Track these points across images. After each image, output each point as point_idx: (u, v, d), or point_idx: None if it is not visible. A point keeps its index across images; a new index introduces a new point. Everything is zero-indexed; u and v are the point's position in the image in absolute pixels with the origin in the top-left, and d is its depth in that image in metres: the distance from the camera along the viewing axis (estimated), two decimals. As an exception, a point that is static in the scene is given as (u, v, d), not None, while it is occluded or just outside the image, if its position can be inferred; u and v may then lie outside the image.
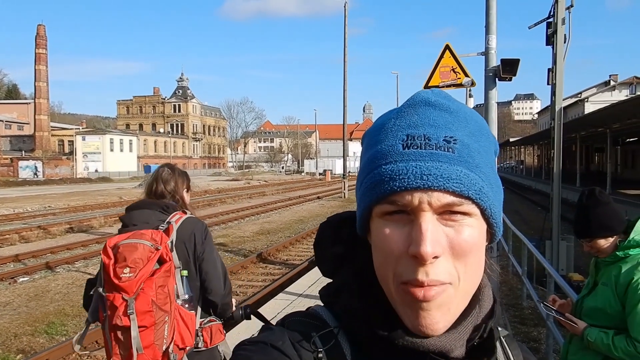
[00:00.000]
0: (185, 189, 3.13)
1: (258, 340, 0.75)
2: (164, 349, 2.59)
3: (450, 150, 0.68)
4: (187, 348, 2.73)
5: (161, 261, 2.66)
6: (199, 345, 2.84)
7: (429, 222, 0.66)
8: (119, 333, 2.57)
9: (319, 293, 0.84)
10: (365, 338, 0.74)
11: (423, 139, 0.69)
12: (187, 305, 2.77)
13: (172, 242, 2.79)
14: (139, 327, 2.53)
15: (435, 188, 0.66)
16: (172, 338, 2.63)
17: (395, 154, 0.69)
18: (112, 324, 2.55)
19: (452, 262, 0.67)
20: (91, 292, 2.77)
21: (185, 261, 2.83)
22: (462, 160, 0.68)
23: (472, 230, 0.68)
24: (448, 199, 0.66)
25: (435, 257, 0.65)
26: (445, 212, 0.67)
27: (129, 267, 2.56)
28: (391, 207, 0.68)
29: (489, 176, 0.71)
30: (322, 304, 0.83)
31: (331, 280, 0.84)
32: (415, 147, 0.68)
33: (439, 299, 0.66)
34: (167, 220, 2.86)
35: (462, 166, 0.67)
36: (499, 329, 0.81)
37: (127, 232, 2.77)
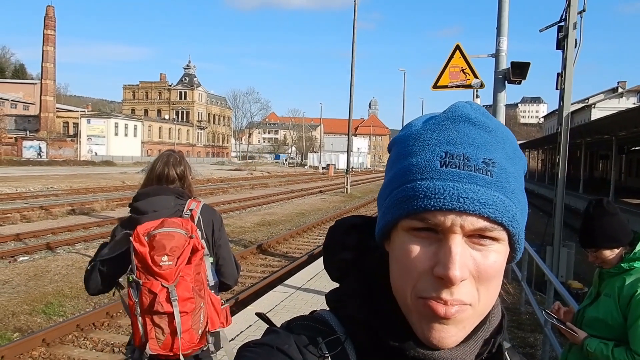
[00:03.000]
0: (191, 176, 3.16)
1: (263, 342, 0.74)
2: (200, 332, 2.74)
3: (489, 173, 0.66)
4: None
5: (193, 249, 2.75)
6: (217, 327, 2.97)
7: (458, 245, 0.65)
8: (156, 318, 2.67)
9: (325, 297, 0.83)
10: (371, 347, 0.73)
11: (462, 158, 0.67)
12: (214, 290, 2.92)
13: (200, 230, 2.87)
14: (180, 312, 2.65)
15: (471, 212, 0.65)
16: (207, 322, 2.78)
17: (432, 171, 0.67)
18: (153, 309, 2.64)
19: (475, 285, 0.67)
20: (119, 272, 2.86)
21: (208, 248, 2.93)
22: (499, 185, 0.67)
23: (498, 256, 0.68)
24: (481, 224, 0.65)
25: (462, 280, 0.65)
26: (475, 236, 0.66)
27: (168, 255, 2.66)
28: (421, 224, 0.67)
29: (521, 202, 0.70)
30: (328, 308, 0.82)
31: (338, 285, 0.84)
32: (454, 166, 0.66)
33: (458, 317, 0.66)
34: (187, 206, 2.91)
35: (499, 191, 0.66)
36: (503, 342, 0.81)
37: (149, 218, 2.80)
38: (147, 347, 2.71)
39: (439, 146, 0.69)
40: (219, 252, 3.04)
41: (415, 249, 0.67)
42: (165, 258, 2.65)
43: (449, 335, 0.67)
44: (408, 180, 0.69)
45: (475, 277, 0.66)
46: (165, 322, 2.65)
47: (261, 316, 0.87)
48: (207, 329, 2.79)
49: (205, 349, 2.83)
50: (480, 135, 0.69)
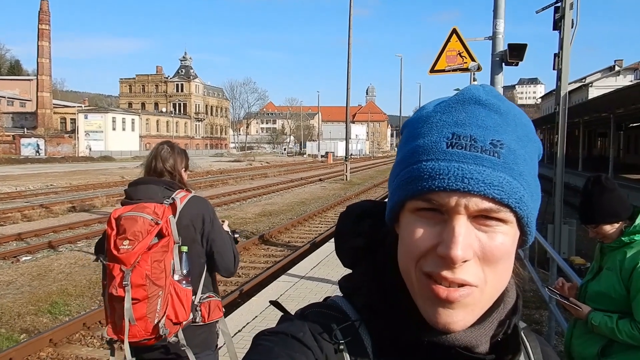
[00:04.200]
0: (184, 168, 3.12)
1: (278, 330, 0.74)
2: (155, 322, 2.66)
3: (496, 154, 0.65)
4: (184, 323, 2.77)
5: (160, 235, 2.73)
6: (197, 320, 2.88)
7: (462, 225, 0.65)
8: (114, 302, 2.68)
9: (338, 283, 0.83)
10: (386, 333, 0.74)
11: (469, 139, 0.66)
12: (184, 282, 2.79)
13: (175, 217, 2.81)
14: (132, 299, 2.61)
15: (475, 192, 0.64)
16: (165, 312, 2.68)
17: (438, 152, 0.67)
18: (109, 292, 2.67)
19: (481, 267, 0.66)
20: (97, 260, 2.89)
21: (188, 238, 2.85)
22: (506, 166, 0.66)
23: (505, 237, 0.67)
24: (486, 204, 0.65)
25: (465, 261, 0.65)
26: (481, 217, 0.66)
27: (129, 240, 2.66)
28: (426, 204, 0.67)
29: (531, 184, 0.69)
30: (341, 294, 0.82)
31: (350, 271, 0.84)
32: (460, 147, 0.66)
33: (464, 299, 0.66)
34: (172, 196, 2.87)
35: (506, 173, 0.65)
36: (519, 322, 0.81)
37: (131, 204, 2.82)
38: (106, 330, 2.77)
39: (446, 127, 0.68)
40: (214, 246, 2.98)
41: (421, 228, 0.67)
42: (126, 242, 2.66)
43: (456, 320, 0.67)
44: (414, 161, 0.69)
45: (480, 258, 0.66)
46: (122, 306, 2.63)
47: (275, 304, 0.87)
48: (163, 320, 2.69)
49: (172, 341, 2.76)
50: (490, 117, 0.68)
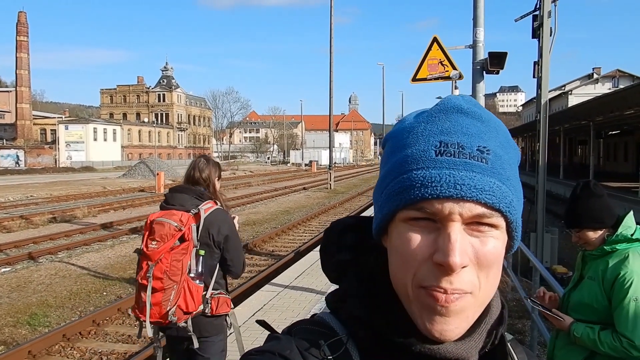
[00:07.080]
0: (217, 177, 3.76)
1: (265, 349, 0.73)
2: (167, 310, 3.28)
3: (484, 160, 0.67)
4: (194, 313, 3.36)
5: (182, 239, 3.35)
6: (206, 311, 3.46)
7: (457, 232, 0.65)
8: (140, 288, 3.36)
9: (325, 299, 0.83)
10: (374, 345, 0.73)
11: (457, 147, 0.67)
12: (197, 279, 3.39)
13: (197, 226, 3.40)
14: (151, 288, 3.26)
15: (468, 198, 0.65)
16: (176, 302, 3.29)
17: (427, 160, 0.67)
18: (136, 280, 3.40)
19: (476, 272, 0.66)
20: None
21: (205, 244, 3.43)
22: (494, 171, 0.67)
23: (496, 242, 0.67)
24: (479, 210, 0.65)
25: (463, 267, 0.65)
26: (473, 223, 0.66)
27: (156, 240, 3.32)
28: (419, 213, 0.67)
29: (517, 189, 0.70)
30: (328, 310, 0.81)
31: (337, 287, 0.83)
32: (449, 154, 0.67)
33: (459, 304, 0.65)
34: (199, 206, 3.46)
35: (495, 178, 0.66)
36: (505, 333, 0.80)
37: (166, 209, 3.46)
38: (131, 308, 3.48)
39: (433, 136, 0.69)
40: (229, 253, 3.56)
41: (415, 237, 0.67)
42: (154, 242, 3.32)
43: (451, 327, 0.66)
44: (404, 171, 0.69)
45: (474, 264, 0.66)
46: (144, 292, 3.29)
47: (262, 323, 0.86)
48: (174, 309, 3.29)
49: (180, 326, 3.36)
50: (474, 124, 0.70)
